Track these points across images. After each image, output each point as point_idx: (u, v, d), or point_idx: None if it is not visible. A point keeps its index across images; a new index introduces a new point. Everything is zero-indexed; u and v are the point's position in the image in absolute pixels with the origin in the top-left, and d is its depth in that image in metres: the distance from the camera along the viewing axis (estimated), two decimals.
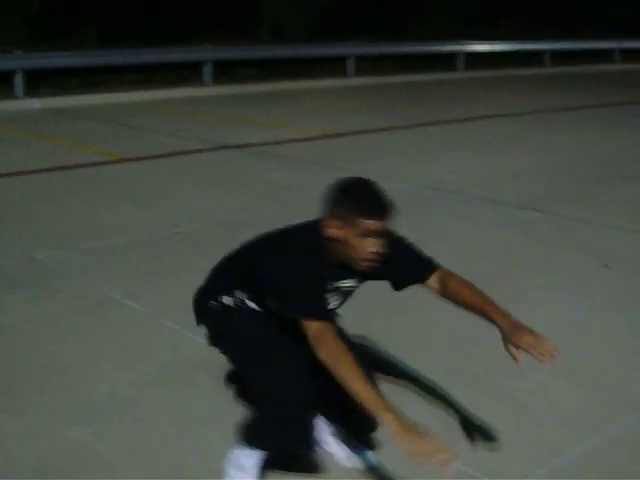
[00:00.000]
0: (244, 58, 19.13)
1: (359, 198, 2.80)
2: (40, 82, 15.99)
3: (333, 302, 2.99)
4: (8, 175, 8.80)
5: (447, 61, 22.94)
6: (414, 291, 5.30)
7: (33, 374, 4.10)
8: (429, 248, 6.19)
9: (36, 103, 14.95)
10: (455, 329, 4.71)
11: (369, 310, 5.01)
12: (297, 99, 16.47)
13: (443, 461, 2.34)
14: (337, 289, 2.97)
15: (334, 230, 2.78)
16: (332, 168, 9.21)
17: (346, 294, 3.06)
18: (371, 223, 2.74)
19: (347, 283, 3.00)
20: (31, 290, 5.29)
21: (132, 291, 5.26)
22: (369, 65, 21.00)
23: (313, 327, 2.69)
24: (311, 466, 3.22)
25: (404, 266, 3.09)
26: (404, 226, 6.79)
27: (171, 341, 4.49)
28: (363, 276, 3.00)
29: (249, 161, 9.86)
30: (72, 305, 5.04)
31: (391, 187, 8.18)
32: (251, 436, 3.03)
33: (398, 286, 3.17)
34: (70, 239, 6.40)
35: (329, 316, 2.84)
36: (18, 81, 15.40)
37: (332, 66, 20.47)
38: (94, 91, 16.19)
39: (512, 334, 2.80)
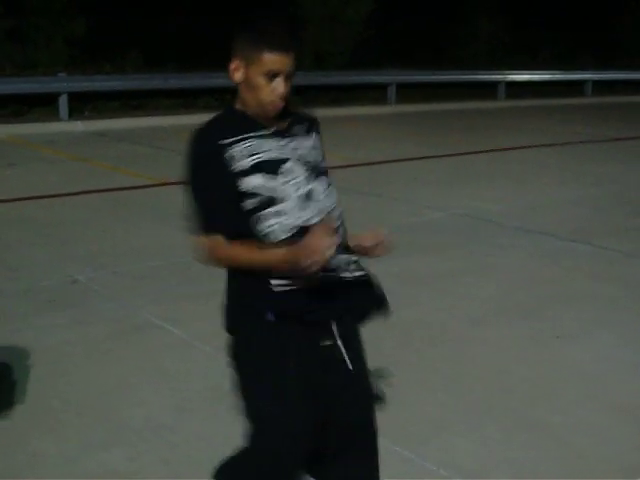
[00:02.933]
0: None
1: (258, 28, 2.64)
2: (83, 104, 16.16)
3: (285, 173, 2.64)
4: (49, 196, 8.87)
5: (488, 89, 22.88)
6: (449, 324, 5.28)
7: (71, 397, 4.10)
8: (468, 278, 6.20)
9: (79, 125, 15.11)
10: (493, 362, 4.65)
11: (404, 341, 4.97)
12: (337, 126, 16.47)
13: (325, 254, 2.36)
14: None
15: (238, 73, 2.64)
16: (371, 195, 9.19)
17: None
18: (271, 56, 2.57)
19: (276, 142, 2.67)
20: (71, 312, 5.30)
21: (170, 315, 5.25)
22: (409, 92, 20.98)
23: (204, 244, 2.57)
24: None
25: None
26: (444, 256, 6.79)
27: (208, 367, 4.46)
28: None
29: None
30: (111, 328, 5.04)
31: (431, 216, 8.24)
32: None
33: None
34: (110, 262, 6.42)
35: (219, 226, 2.57)
36: (62, 103, 15.57)
37: (373, 93, 20.49)
38: (135, 114, 16.32)
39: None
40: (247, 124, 2.65)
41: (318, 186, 2.68)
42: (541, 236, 7.54)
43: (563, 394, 4.25)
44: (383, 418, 3.90)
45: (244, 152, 2.60)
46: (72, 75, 15.95)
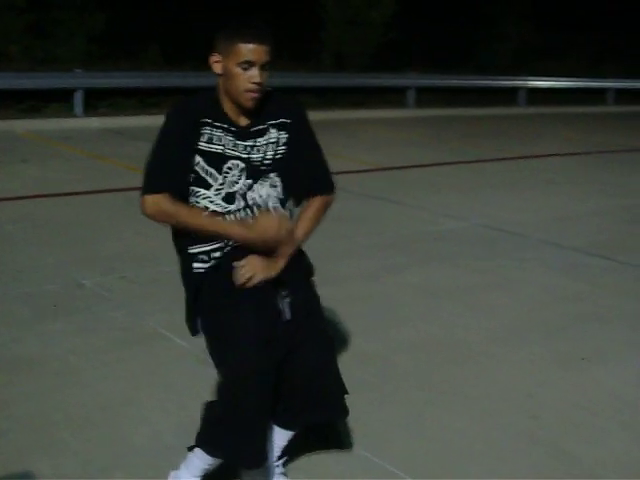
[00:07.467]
0: (304, 86, 18.88)
1: (235, 24, 2.95)
2: (99, 101, 15.99)
3: (233, 170, 3.01)
4: (61, 195, 8.69)
5: (508, 95, 22.62)
6: (470, 341, 5.03)
7: (73, 411, 3.89)
8: (490, 293, 5.95)
9: (94, 122, 14.95)
10: (517, 385, 4.41)
11: (424, 359, 4.74)
12: (355, 129, 16.26)
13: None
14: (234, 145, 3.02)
15: (217, 64, 2.96)
16: (388, 202, 8.95)
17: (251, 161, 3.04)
18: (245, 47, 2.87)
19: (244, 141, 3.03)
20: (76, 319, 5.09)
21: (178, 325, 5.00)
22: (429, 97, 20.75)
23: (148, 202, 2.97)
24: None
25: (307, 169, 3.22)
26: (465, 268, 6.55)
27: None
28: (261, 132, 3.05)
29: None
30: (118, 337, 4.83)
31: (450, 225, 7.99)
32: (202, 436, 3.06)
33: (291, 185, 3.20)
34: (117, 266, 6.21)
35: (165, 186, 2.98)
36: (78, 99, 15.42)
37: (392, 96, 20.27)
38: (152, 112, 16.09)
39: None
40: (218, 114, 3.01)
41: (256, 186, 3.03)
42: (566, 250, 7.28)
43: (593, 422, 4.00)
44: (397, 445, 3.68)
45: (206, 136, 2.98)
46: (89, 71, 15.79)
